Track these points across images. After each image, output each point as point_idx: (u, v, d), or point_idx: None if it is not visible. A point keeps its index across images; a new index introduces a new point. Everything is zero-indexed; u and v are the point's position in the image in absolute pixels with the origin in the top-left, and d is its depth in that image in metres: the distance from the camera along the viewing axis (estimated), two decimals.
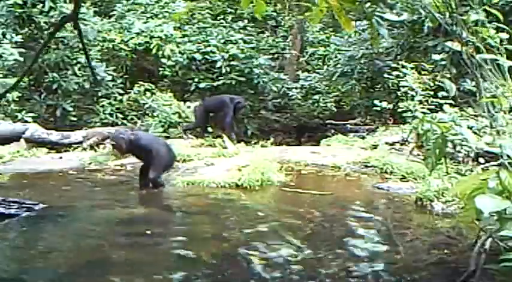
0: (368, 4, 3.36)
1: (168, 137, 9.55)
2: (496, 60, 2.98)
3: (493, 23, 3.26)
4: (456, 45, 3.04)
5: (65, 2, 10.52)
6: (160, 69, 11.69)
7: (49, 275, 3.78)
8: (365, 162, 7.40)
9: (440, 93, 8.31)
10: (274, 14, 15.11)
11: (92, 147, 8.83)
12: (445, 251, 4.28)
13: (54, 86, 10.20)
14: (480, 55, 2.96)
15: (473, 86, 7.30)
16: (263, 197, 6.30)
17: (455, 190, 4.06)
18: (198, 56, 11.60)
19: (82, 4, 11.37)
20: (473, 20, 3.08)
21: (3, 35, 9.41)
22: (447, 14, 3.14)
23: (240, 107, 9.83)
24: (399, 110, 8.78)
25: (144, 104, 10.86)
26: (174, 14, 12.87)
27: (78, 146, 8.83)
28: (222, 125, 9.58)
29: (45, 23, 10.25)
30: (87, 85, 10.50)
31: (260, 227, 4.90)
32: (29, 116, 9.57)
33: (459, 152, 6.70)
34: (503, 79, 2.93)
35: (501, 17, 3.17)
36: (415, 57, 10.06)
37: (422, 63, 9.31)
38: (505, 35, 3.22)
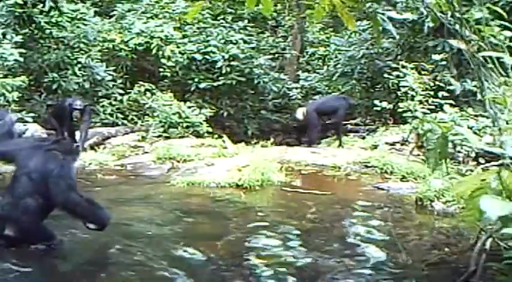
0: (370, 3, 3.35)
1: (168, 137, 9.55)
2: (500, 58, 2.95)
3: (497, 20, 3.23)
4: (460, 44, 3.02)
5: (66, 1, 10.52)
6: (160, 69, 11.69)
7: (49, 274, 3.78)
8: (365, 162, 7.40)
9: (440, 93, 8.32)
10: (274, 14, 15.10)
11: (92, 147, 8.83)
12: (445, 250, 4.29)
13: (54, 86, 10.18)
14: (483, 53, 2.93)
15: (474, 86, 7.31)
16: (263, 197, 6.29)
17: (455, 190, 4.05)
18: (198, 56, 11.59)
19: (82, 4, 11.41)
20: (475, 18, 3.06)
21: (4, 35, 9.39)
22: (449, 13, 3.12)
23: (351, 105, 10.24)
24: (399, 110, 8.78)
25: (144, 104, 10.85)
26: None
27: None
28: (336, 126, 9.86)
29: (45, 23, 10.24)
30: (87, 85, 10.50)
31: (260, 227, 4.89)
32: (29, 116, 9.55)
33: (459, 152, 6.70)
34: (507, 77, 2.91)
35: (505, 15, 3.15)
36: (415, 57, 10.07)
37: (422, 63, 9.32)
38: (509, 33, 3.18)
